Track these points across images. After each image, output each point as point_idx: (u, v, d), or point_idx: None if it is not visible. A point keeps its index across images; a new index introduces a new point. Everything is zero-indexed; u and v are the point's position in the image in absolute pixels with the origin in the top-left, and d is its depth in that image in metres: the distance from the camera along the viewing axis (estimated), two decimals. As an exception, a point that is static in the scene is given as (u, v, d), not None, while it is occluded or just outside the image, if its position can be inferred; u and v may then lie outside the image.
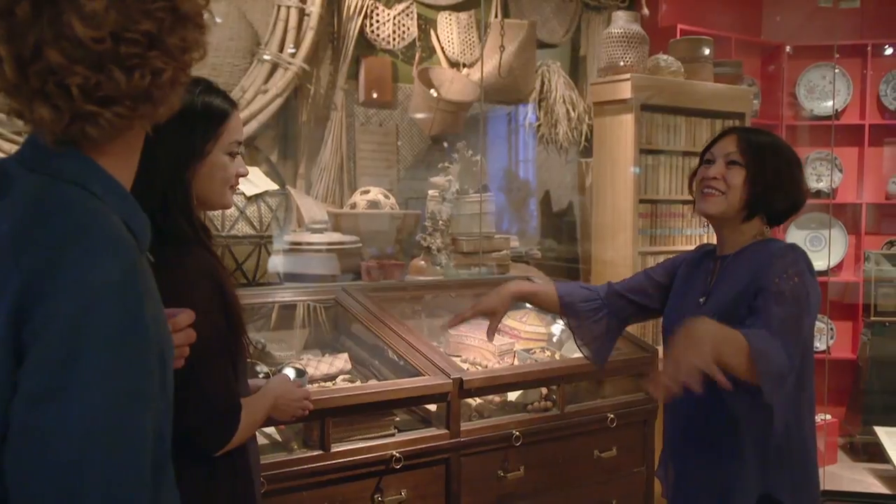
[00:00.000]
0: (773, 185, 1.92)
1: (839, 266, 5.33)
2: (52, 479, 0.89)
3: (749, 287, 1.85)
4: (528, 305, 3.45)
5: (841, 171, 5.31)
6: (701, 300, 1.97)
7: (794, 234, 5.36)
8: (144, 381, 0.96)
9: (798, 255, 1.85)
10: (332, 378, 2.68)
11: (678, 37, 4.47)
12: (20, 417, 0.90)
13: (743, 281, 1.88)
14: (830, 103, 5.25)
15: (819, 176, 5.34)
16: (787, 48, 5.27)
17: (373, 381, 2.65)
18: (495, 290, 2.23)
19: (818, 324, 5.25)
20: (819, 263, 5.22)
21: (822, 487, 4.48)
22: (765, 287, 1.80)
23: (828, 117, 5.24)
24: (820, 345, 5.23)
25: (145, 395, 0.95)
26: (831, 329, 5.25)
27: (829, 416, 4.94)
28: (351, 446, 2.34)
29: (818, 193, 5.30)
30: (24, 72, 0.95)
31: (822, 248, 5.27)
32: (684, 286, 2.08)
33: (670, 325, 2.04)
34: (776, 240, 1.99)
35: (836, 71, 5.20)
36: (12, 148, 2.89)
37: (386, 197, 3.46)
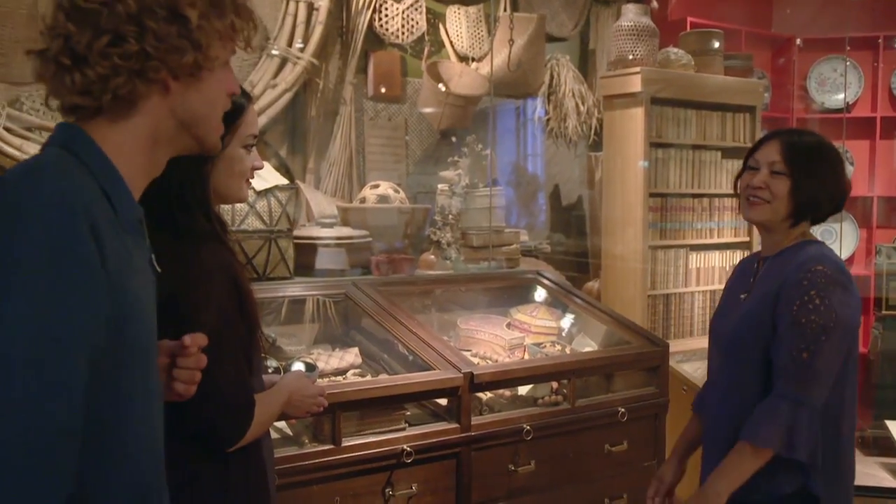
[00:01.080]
0: (819, 193, 1.93)
1: (850, 260, 5.30)
2: None
3: (774, 292, 1.89)
4: (538, 299, 3.45)
5: (852, 164, 5.28)
6: (742, 296, 2.02)
7: (805, 228, 5.33)
8: (82, 307, 0.95)
9: (827, 267, 1.86)
10: (342, 372, 2.68)
11: (688, 30, 4.46)
12: None
13: (776, 282, 1.91)
14: (842, 96, 5.23)
15: (830, 169, 5.30)
16: (798, 41, 5.24)
17: (383, 376, 2.64)
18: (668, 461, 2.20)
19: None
20: (830, 257, 5.20)
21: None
22: (785, 312, 1.84)
23: (839, 110, 5.22)
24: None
25: (81, 321, 0.95)
26: (842, 323, 5.22)
27: (840, 411, 4.91)
28: (362, 440, 2.34)
29: (829, 187, 5.27)
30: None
31: (834, 241, 5.24)
32: (731, 286, 2.13)
33: (713, 323, 2.12)
34: (812, 242, 1.98)
35: (848, 63, 5.16)
36: (23, 144, 2.90)
37: (396, 191, 3.46)
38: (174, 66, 1.09)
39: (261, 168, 1.69)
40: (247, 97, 1.62)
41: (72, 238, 0.95)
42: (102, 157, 1.07)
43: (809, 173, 1.92)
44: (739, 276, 2.12)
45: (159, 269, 1.17)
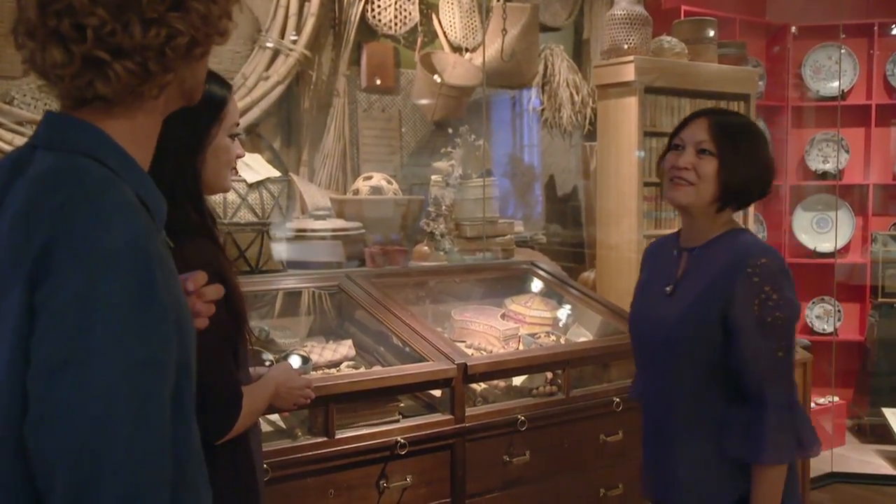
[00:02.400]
0: (747, 175, 1.84)
1: (846, 248, 5.30)
2: (73, 449, 0.88)
3: (717, 287, 1.78)
4: (533, 290, 3.45)
5: (847, 151, 5.27)
6: (667, 289, 1.89)
7: (800, 216, 5.33)
8: (160, 349, 0.94)
9: (771, 259, 1.78)
10: (336, 365, 2.68)
11: (681, 18, 4.44)
12: (37, 388, 0.89)
13: (711, 276, 1.81)
14: (836, 84, 5.21)
15: (825, 157, 5.30)
16: (793, 28, 5.22)
17: (377, 368, 2.64)
18: None
19: (825, 306, 5.25)
20: (826, 245, 5.21)
21: (830, 469, 4.48)
22: (744, 315, 1.74)
23: (834, 98, 5.21)
24: (827, 327, 5.21)
25: (161, 363, 0.94)
26: (838, 311, 5.23)
27: (836, 399, 4.93)
28: (355, 433, 2.34)
29: (825, 175, 5.27)
30: (44, 11, 0.95)
31: (829, 229, 5.24)
32: (649, 278, 2.00)
33: (636, 319, 1.99)
34: (745, 232, 1.90)
35: (843, 51, 5.15)
36: (13, 138, 2.89)
37: (389, 182, 3.45)
38: (211, 45, 1.04)
39: (243, 156, 1.69)
40: (227, 86, 1.61)
41: (153, 288, 0.93)
42: (131, 163, 1.02)
43: (738, 154, 1.82)
44: (657, 267, 1.99)
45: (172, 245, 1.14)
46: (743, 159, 1.83)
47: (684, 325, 1.83)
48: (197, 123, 1.54)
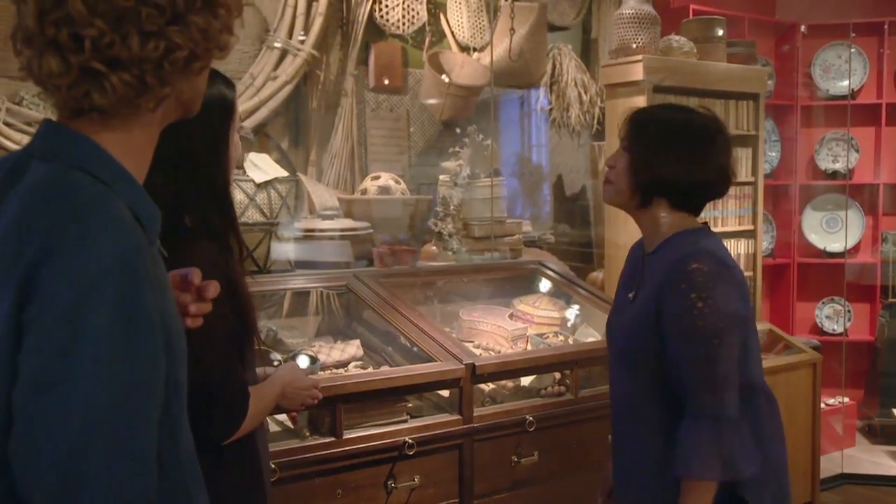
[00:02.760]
0: (662, 168, 1.77)
1: (856, 248, 5.27)
2: (54, 468, 0.88)
3: (654, 294, 1.76)
4: (541, 290, 3.44)
5: (857, 151, 5.24)
6: (630, 296, 1.88)
7: (810, 216, 5.30)
8: (146, 370, 0.94)
9: (703, 264, 1.71)
10: (344, 365, 2.68)
11: (690, 17, 4.42)
12: (22, 405, 0.90)
13: (653, 284, 1.78)
14: (846, 83, 5.18)
15: (835, 156, 5.27)
16: (802, 27, 5.19)
17: (385, 368, 2.64)
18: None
19: (835, 306, 5.21)
20: (836, 245, 5.18)
21: (840, 470, 4.46)
22: (671, 323, 1.71)
23: (844, 97, 5.17)
24: (837, 327, 5.19)
25: (149, 385, 0.94)
26: (848, 311, 5.20)
27: (846, 399, 4.90)
28: (363, 433, 2.34)
29: (834, 174, 5.24)
30: (43, 20, 0.94)
31: (839, 229, 5.21)
32: (622, 281, 1.99)
33: (608, 323, 1.99)
34: (688, 233, 1.82)
35: (853, 50, 5.12)
36: (22, 139, 2.89)
37: (397, 182, 3.44)
38: (211, 59, 1.02)
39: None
40: (233, 87, 1.62)
41: (139, 307, 0.92)
42: (125, 175, 1.00)
43: (649, 148, 1.77)
44: (628, 271, 1.97)
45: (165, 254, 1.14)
46: (655, 154, 1.78)
47: (630, 334, 1.82)
48: (216, 126, 1.55)
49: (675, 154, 1.79)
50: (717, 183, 1.85)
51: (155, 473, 0.94)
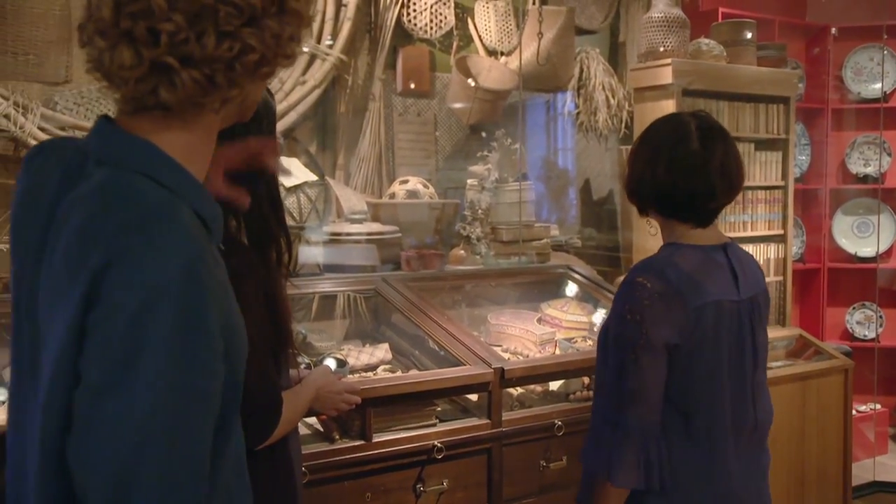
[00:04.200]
0: (631, 176, 1.84)
1: (888, 252, 5.20)
2: (109, 472, 0.89)
3: None
4: (569, 294, 3.43)
5: (889, 154, 5.17)
6: None
7: (840, 220, 5.24)
8: (205, 380, 0.95)
9: (646, 280, 1.71)
10: (373, 368, 2.69)
11: (720, 20, 4.39)
12: (82, 408, 0.91)
13: None
14: (878, 85, 5.12)
15: (867, 160, 5.21)
16: (833, 30, 5.14)
17: (414, 372, 2.64)
18: None
19: (866, 312, 5.14)
20: (867, 250, 5.11)
21: (872, 478, 4.40)
22: (607, 324, 1.80)
23: (876, 100, 5.11)
24: (869, 333, 5.12)
25: (205, 394, 0.95)
26: (880, 317, 5.13)
27: (878, 406, 4.84)
28: (393, 436, 2.34)
29: (865, 178, 5.18)
30: (120, 11, 0.95)
31: (871, 233, 5.15)
32: None
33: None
34: (667, 247, 1.82)
35: (885, 52, 5.06)
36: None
37: (425, 186, 3.45)
38: (277, 66, 1.02)
39: None
40: (270, 93, 1.64)
41: (201, 318, 0.93)
42: (187, 177, 1.01)
43: (632, 157, 1.85)
44: None
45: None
46: (634, 162, 1.84)
47: (603, 331, 1.86)
48: (267, 131, 1.56)
49: (642, 163, 1.81)
50: (704, 191, 1.77)
51: (207, 482, 0.95)
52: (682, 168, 1.76)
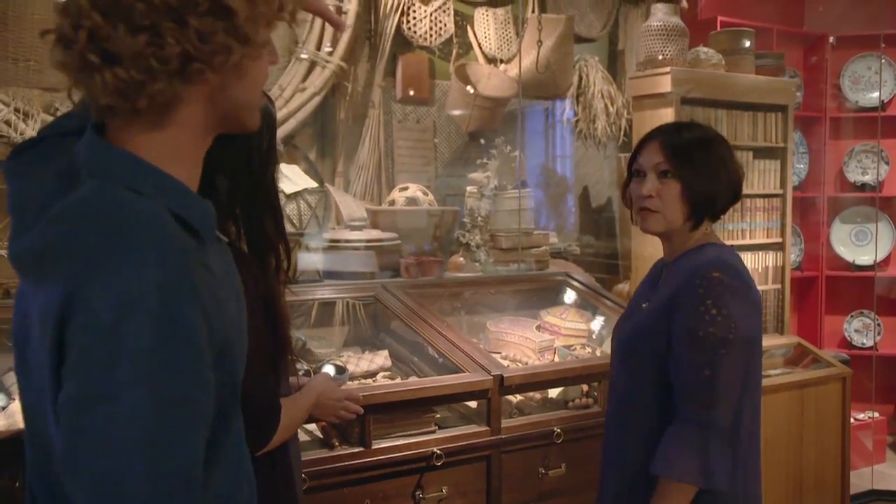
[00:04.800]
0: (712, 189, 1.81)
1: (886, 260, 5.21)
2: (96, 485, 0.89)
3: (668, 300, 1.78)
4: (568, 301, 3.43)
5: (887, 163, 5.19)
6: (644, 305, 1.90)
7: (839, 228, 5.25)
8: (190, 388, 0.94)
9: (724, 274, 1.73)
10: (372, 375, 2.69)
11: (718, 29, 4.41)
12: (66, 422, 0.91)
13: (670, 290, 1.80)
14: (876, 94, 5.14)
15: (865, 169, 5.22)
16: (831, 38, 5.16)
17: (413, 378, 2.64)
18: None
19: (864, 320, 5.15)
20: (865, 258, 5.12)
21: (871, 487, 4.41)
22: (680, 323, 1.73)
23: (874, 109, 5.13)
24: (867, 341, 5.13)
25: (190, 402, 0.93)
26: (878, 325, 5.14)
27: (876, 414, 4.84)
28: (392, 443, 2.34)
29: (863, 186, 5.19)
30: (61, 14, 0.97)
31: (869, 242, 5.16)
32: (637, 293, 2.02)
33: (614, 330, 2.03)
34: (711, 246, 1.85)
35: (882, 61, 5.08)
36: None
37: (424, 194, 3.46)
38: (219, 65, 0.98)
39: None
40: (271, 101, 1.64)
41: (181, 326, 0.92)
42: (168, 181, 1.00)
43: (696, 170, 1.80)
44: (646, 283, 2.00)
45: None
46: (703, 174, 1.81)
47: (636, 335, 1.84)
48: (268, 138, 1.57)
49: (724, 174, 1.83)
50: (740, 193, 1.91)
51: (199, 491, 0.94)
52: (738, 167, 1.88)
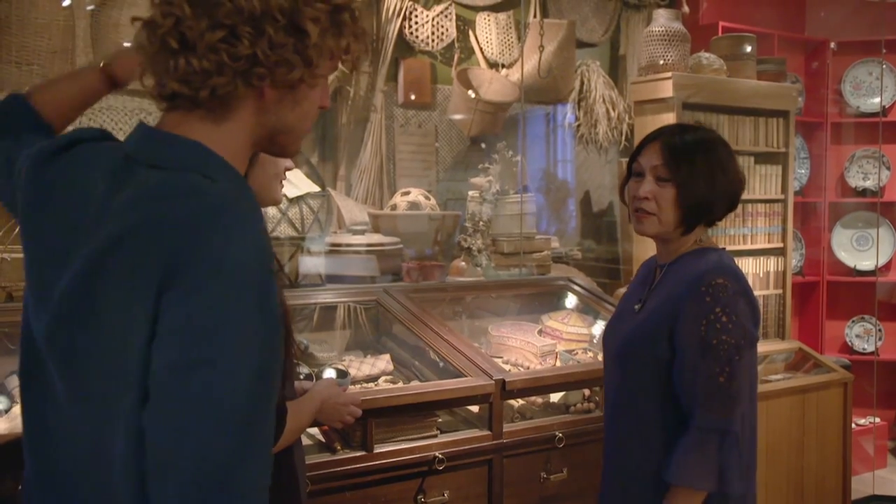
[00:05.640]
0: (709, 195, 1.81)
1: (887, 266, 5.21)
2: (198, 446, 0.90)
3: (669, 306, 1.77)
4: (569, 306, 3.43)
5: (888, 168, 5.19)
6: (636, 307, 1.90)
7: (840, 234, 5.26)
8: (276, 363, 0.97)
9: (729, 281, 1.73)
10: (374, 379, 2.69)
11: (720, 34, 4.42)
12: (163, 383, 0.92)
13: (667, 294, 1.80)
14: (877, 100, 5.15)
15: (866, 174, 5.23)
16: (832, 44, 5.17)
17: (415, 382, 2.64)
18: None
19: (865, 325, 5.15)
20: (866, 263, 5.13)
21: (872, 492, 4.40)
22: (690, 332, 1.72)
23: (875, 114, 5.14)
24: (868, 346, 5.13)
25: (274, 374, 0.97)
26: (880, 330, 5.14)
27: (878, 419, 4.84)
28: (394, 447, 2.34)
29: (864, 192, 5.20)
30: (154, 5, 1.06)
31: (870, 247, 5.16)
32: (628, 294, 2.02)
33: (605, 332, 2.02)
34: (710, 250, 1.86)
35: (884, 66, 5.09)
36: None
37: (426, 198, 3.46)
38: (279, 77, 1.05)
39: (292, 168, 1.71)
40: None
41: (272, 301, 0.96)
42: (234, 172, 1.06)
43: (694, 175, 1.79)
44: (637, 284, 1.99)
45: None
46: (700, 180, 1.80)
47: (635, 340, 1.83)
48: None
49: (722, 180, 1.82)
50: (739, 197, 1.91)
51: (272, 463, 0.97)
52: (739, 173, 1.88)
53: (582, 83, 4.34)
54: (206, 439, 0.90)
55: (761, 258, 4.09)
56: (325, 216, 3.15)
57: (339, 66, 1.15)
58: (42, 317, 1.06)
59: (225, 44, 1.01)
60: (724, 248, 1.90)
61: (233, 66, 1.02)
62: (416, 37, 3.81)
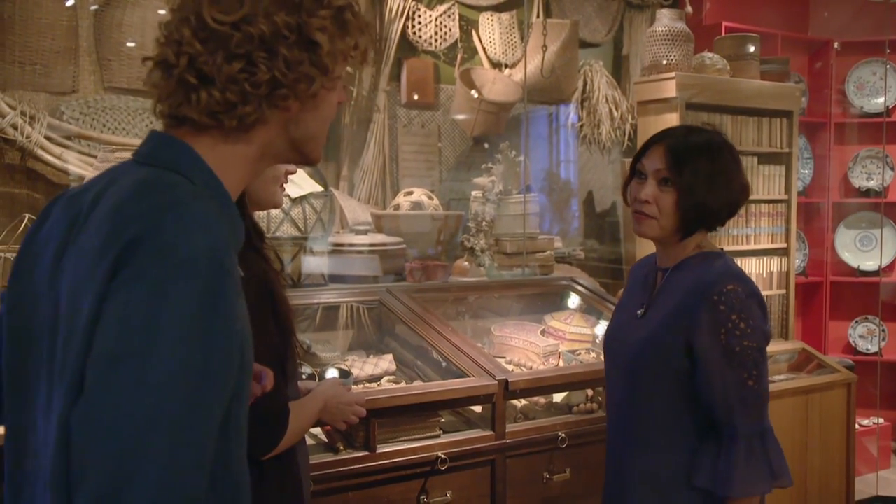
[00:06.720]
0: (710, 200, 1.78)
1: (891, 266, 5.20)
2: (117, 441, 0.87)
3: (681, 313, 1.76)
4: (572, 306, 3.43)
5: (892, 168, 5.19)
6: (639, 312, 1.88)
7: (843, 234, 5.25)
8: (220, 363, 0.94)
9: (738, 286, 1.73)
10: (377, 379, 2.69)
11: (723, 34, 4.41)
12: (97, 373, 0.90)
13: (675, 301, 1.79)
14: (881, 100, 5.14)
15: (869, 174, 5.22)
16: (836, 44, 5.16)
17: (417, 383, 2.64)
18: None
19: (869, 326, 5.15)
20: (870, 263, 5.12)
21: (875, 493, 4.39)
22: (711, 343, 1.71)
23: (878, 114, 5.13)
24: (871, 347, 5.12)
25: (218, 377, 0.94)
26: (883, 331, 5.13)
27: (881, 420, 4.83)
28: (396, 447, 2.34)
29: (868, 192, 5.19)
30: (164, 41, 1.08)
31: (873, 247, 5.15)
32: (627, 299, 2.00)
33: (607, 340, 1.99)
34: (713, 255, 1.84)
35: (888, 67, 5.08)
36: (63, 152, 2.94)
37: (429, 198, 3.46)
38: (302, 93, 1.07)
39: (294, 172, 1.70)
40: None
41: (222, 301, 0.94)
42: (215, 182, 1.06)
43: (696, 179, 1.76)
44: (635, 288, 1.97)
45: None
46: (702, 184, 1.77)
47: (647, 351, 1.81)
48: None
49: (724, 186, 1.80)
50: (742, 203, 1.89)
51: (208, 471, 0.93)
52: (743, 180, 1.87)
53: (585, 83, 4.34)
54: (131, 439, 0.86)
55: (765, 258, 4.08)
56: (328, 216, 3.15)
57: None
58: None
59: (244, 73, 1.03)
60: (723, 251, 1.89)
61: (256, 94, 1.04)
62: (420, 37, 3.80)
